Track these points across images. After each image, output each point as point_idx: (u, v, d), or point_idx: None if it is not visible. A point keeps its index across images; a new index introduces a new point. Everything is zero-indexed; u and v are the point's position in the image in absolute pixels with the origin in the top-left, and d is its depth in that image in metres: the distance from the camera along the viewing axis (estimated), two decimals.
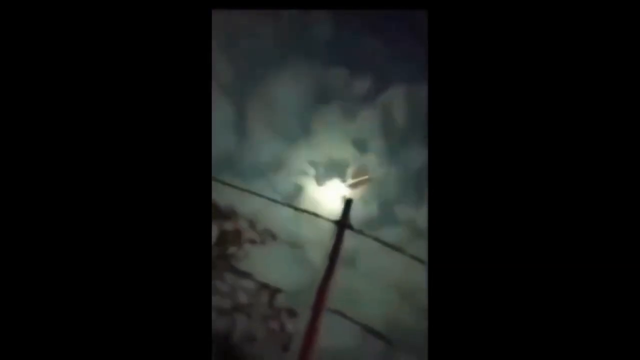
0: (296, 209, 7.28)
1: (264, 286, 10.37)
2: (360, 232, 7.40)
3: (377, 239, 7.44)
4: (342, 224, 7.28)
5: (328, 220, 7.25)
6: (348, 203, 7.54)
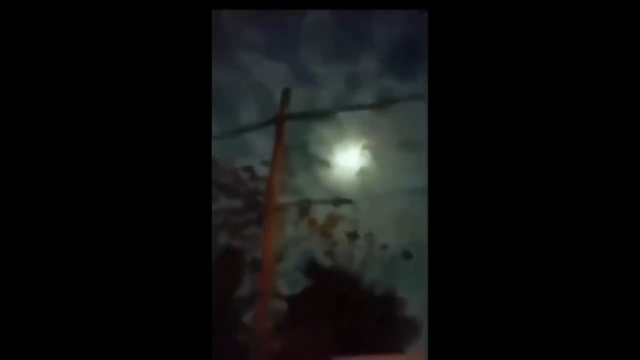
0: None
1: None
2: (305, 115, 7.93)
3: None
4: (281, 116, 7.64)
5: None
6: (285, 93, 7.74)
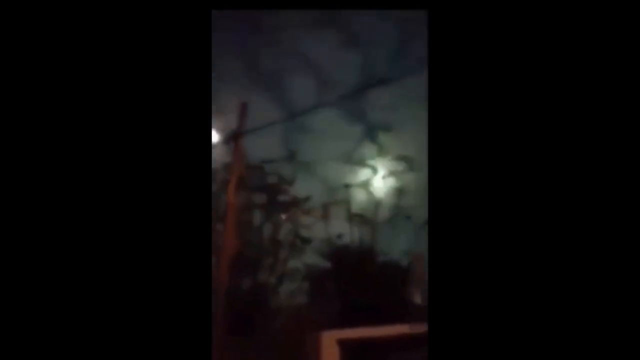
0: None
1: None
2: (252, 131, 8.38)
3: None
4: (237, 131, 8.21)
5: None
6: (242, 108, 8.18)
